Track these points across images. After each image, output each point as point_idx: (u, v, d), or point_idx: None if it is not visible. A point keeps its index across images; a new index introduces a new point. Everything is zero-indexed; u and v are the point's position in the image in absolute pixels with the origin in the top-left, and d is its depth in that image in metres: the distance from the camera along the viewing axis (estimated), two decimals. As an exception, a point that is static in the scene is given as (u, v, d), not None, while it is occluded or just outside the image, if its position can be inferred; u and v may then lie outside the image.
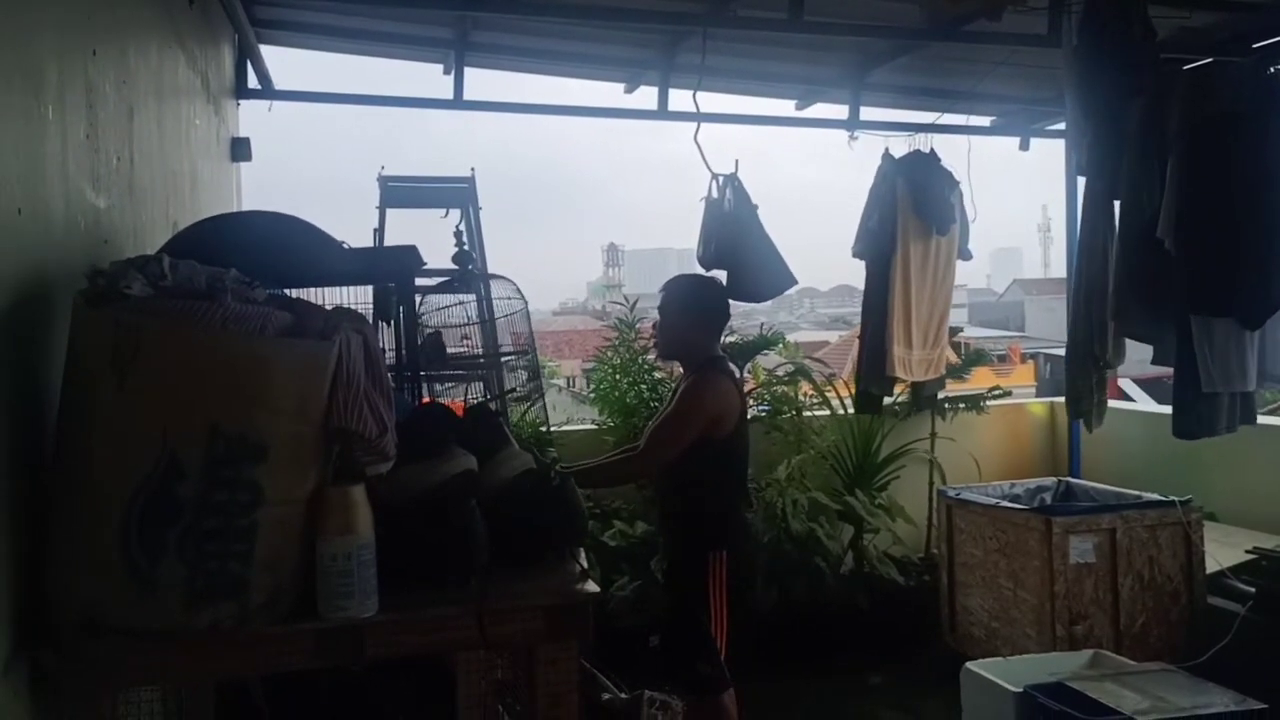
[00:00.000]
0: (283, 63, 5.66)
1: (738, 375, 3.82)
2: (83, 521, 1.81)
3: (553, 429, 5.84)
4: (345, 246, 2.74)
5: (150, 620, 1.81)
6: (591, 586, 2.14)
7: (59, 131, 2.08)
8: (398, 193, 4.59)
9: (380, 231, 4.49)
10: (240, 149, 5.28)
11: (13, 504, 1.77)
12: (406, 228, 4.60)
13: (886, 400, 6.00)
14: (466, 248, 3.72)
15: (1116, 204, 4.40)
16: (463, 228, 3.90)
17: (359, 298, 3.06)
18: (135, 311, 1.79)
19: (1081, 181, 4.65)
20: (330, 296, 2.83)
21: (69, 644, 1.83)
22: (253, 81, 5.45)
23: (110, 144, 2.51)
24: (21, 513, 1.80)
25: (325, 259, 2.61)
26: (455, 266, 3.63)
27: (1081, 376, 4.65)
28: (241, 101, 5.48)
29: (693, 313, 3.70)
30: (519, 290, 3.79)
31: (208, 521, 1.80)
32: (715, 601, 3.49)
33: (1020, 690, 3.72)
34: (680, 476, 3.65)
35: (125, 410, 1.78)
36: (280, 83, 5.64)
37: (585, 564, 2.25)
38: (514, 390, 3.66)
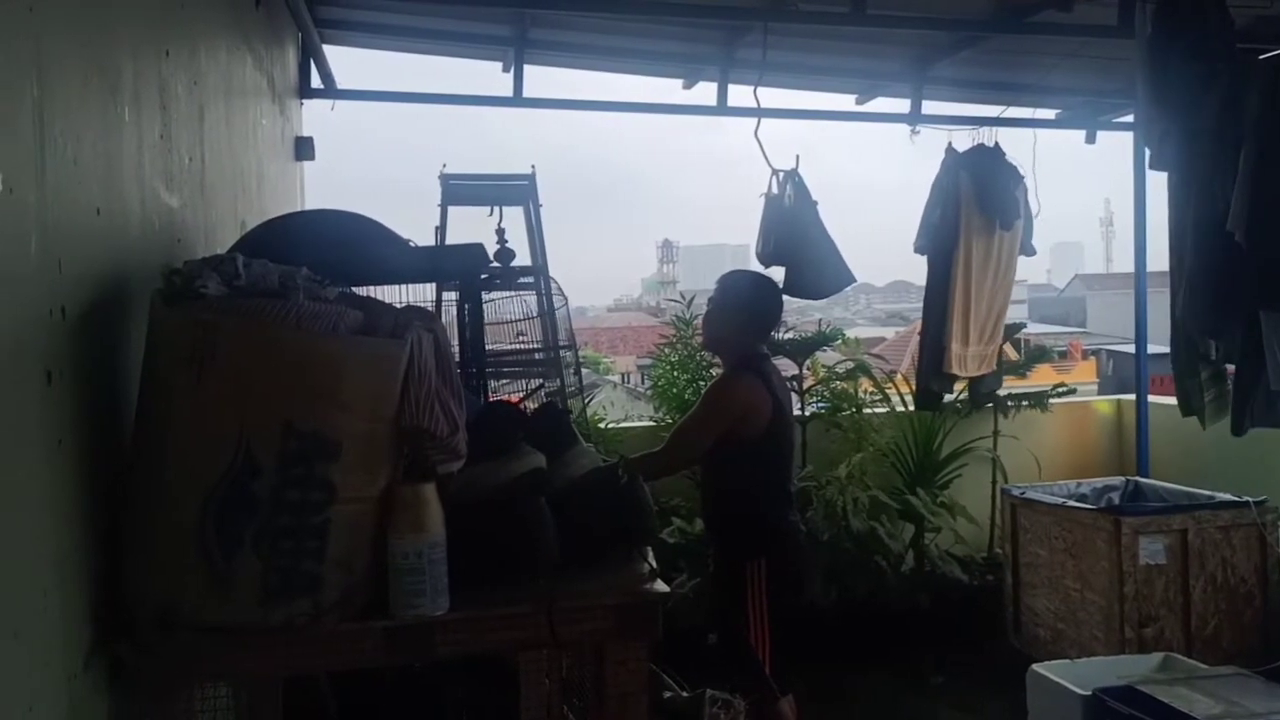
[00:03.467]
0: (338, 63, 5.71)
1: (780, 374, 3.74)
2: (159, 519, 1.83)
3: (610, 425, 5.87)
4: (411, 244, 2.75)
5: (225, 616, 1.83)
6: (661, 586, 2.13)
7: (134, 132, 2.10)
8: (459, 190, 4.60)
9: (442, 229, 4.52)
10: (304, 148, 5.35)
11: (92, 501, 1.79)
12: (461, 225, 4.61)
13: (948, 397, 5.93)
14: (509, 244, 3.73)
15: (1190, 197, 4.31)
16: (505, 226, 3.92)
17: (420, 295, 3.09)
18: (211, 310, 1.80)
19: (1151, 175, 4.55)
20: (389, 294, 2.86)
21: (146, 640, 1.85)
22: (315, 81, 5.51)
23: (183, 144, 2.54)
24: (100, 510, 1.83)
25: (392, 257, 2.63)
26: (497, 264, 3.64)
27: (1189, 374, 4.53)
28: (304, 101, 5.54)
29: (742, 311, 3.64)
30: (560, 288, 3.80)
31: (282, 519, 1.81)
32: (754, 612, 3.40)
33: (1089, 693, 3.66)
34: (715, 481, 3.61)
35: (202, 408, 1.79)
36: (337, 83, 5.68)
37: (653, 563, 2.23)
38: (542, 386, 3.67)
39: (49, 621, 1.60)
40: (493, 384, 3.49)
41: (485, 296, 3.41)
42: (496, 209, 4.28)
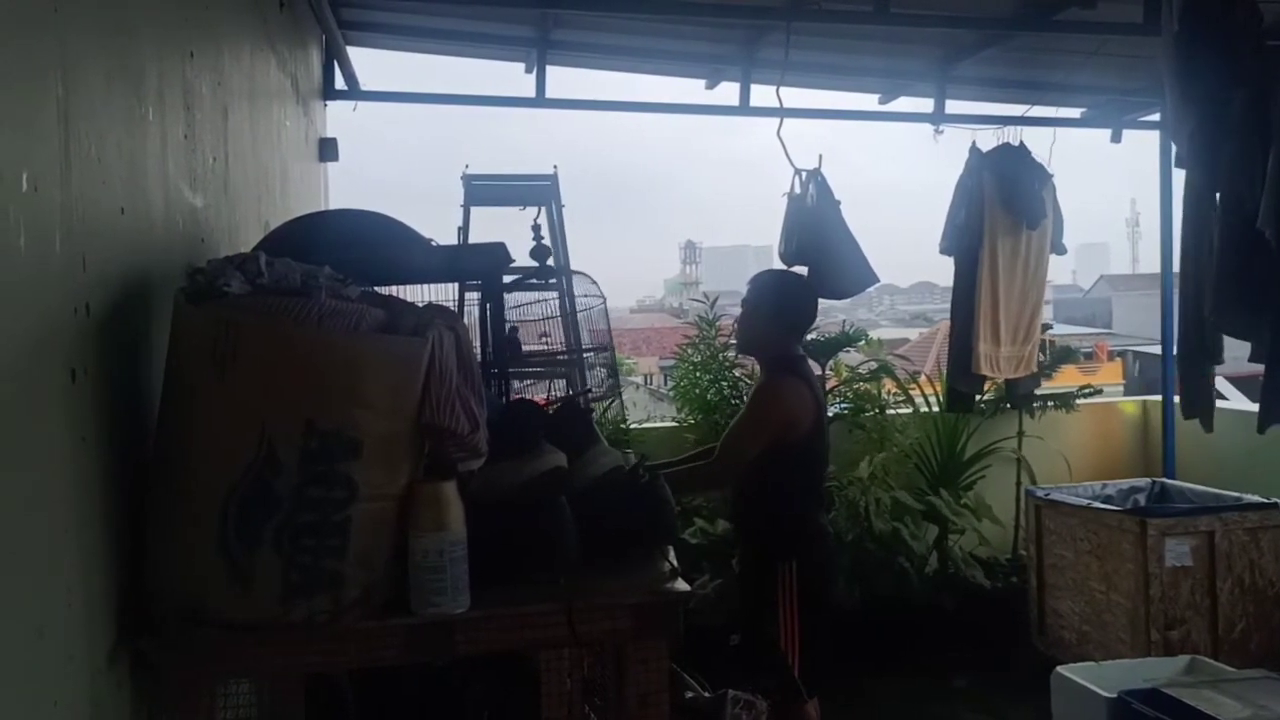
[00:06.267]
0: (362, 65, 5.70)
1: (816, 375, 3.68)
2: (182, 515, 1.84)
3: (633, 426, 5.86)
4: (434, 244, 2.76)
5: (246, 613, 1.84)
6: (681, 585, 2.12)
7: (159, 132, 2.12)
8: (481, 190, 4.62)
9: (465, 229, 4.54)
10: (328, 149, 5.37)
11: (115, 498, 1.81)
12: (481, 225, 4.62)
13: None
14: (544, 241, 3.71)
15: (1218, 196, 4.26)
16: (541, 222, 3.91)
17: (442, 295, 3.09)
18: (234, 308, 1.81)
19: (1179, 174, 4.50)
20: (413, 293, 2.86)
21: (168, 636, 1.86)
22: (339, 83, 5.53)
23: (207, 144, 2.56)
24: (123, 506, 1.84)
25: (414, 256, 2.63)
26: (534, 262, 3.62)
27: (1194, 375, 4.49)
28: (328, 103, 5.57)
29: (777, 311, 3.56)
30: (598, 287, 3.77)
31: (303, 516, 1.82)
32: (785, 613, 3.36)
33: (1114, 696, 3.62)
34: (753, 482, 3.54)
35: (224, 405, 1.80)
36: (360, 84, 5.70)
37: (674, 562, 2.23)
38: (588, 389, 3.65)
39: (73, 618, 1.61)
40: (515, 384, 3.48)
41: (508, 297, 3.40)
42: (529, 206, 4.29)
